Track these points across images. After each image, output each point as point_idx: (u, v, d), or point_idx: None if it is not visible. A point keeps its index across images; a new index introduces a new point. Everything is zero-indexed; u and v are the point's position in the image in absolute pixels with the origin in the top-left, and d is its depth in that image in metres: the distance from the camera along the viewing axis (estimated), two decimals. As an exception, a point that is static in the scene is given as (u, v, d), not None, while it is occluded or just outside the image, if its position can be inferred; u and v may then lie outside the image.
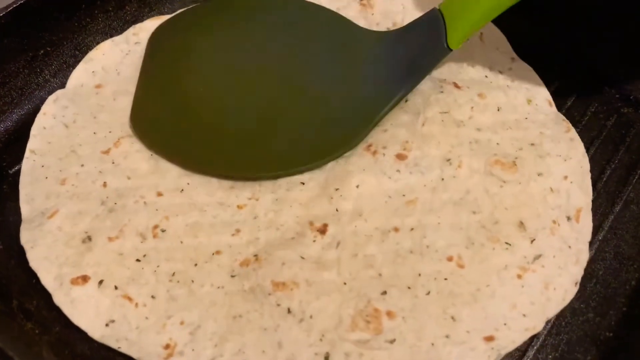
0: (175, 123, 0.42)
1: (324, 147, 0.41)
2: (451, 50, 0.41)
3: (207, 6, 0.50)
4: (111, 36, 0.51)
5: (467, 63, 0.46)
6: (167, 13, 0.53)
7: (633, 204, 0.42)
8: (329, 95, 0.43)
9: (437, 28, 0.41)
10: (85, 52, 0.49)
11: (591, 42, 0.49)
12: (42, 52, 0.48)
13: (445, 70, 0.46)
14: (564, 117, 0.44)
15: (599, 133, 0.45)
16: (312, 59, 0.45)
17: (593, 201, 0.41)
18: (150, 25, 0.50)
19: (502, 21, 0.52)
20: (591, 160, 0.43)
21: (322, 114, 0.42)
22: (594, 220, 0.40)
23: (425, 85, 0.44)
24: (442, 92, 0.44)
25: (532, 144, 0.42)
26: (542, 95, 0.45)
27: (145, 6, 0.53)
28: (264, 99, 0.43)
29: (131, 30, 0.50)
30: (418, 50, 0.43)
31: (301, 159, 0.40)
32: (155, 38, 0.48)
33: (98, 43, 0.50)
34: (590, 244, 0.39)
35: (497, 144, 0.42)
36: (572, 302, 0.36)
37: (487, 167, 0.40)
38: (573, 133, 0.43)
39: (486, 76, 0.46)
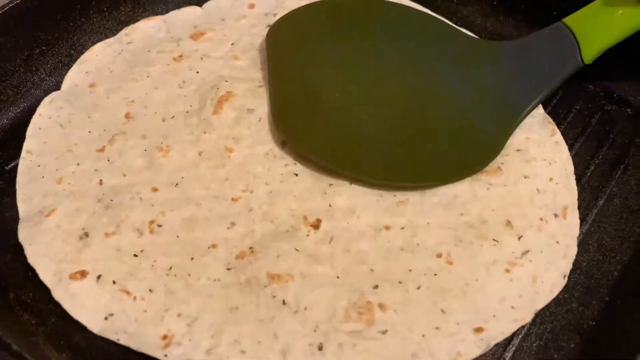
0: (322, 127, 0.43)
1: (464, 163, 0.42)
2: (585, 64, 0.44)
3: (318, 7, 0.51)
4: (106, 36, 0.52)
5: None
6: (161, 13, 0.54)
7: (616, 198, 0.43)
8: (463, 108, 0.44)
9: (567, 42, 0.45)
10: (81, 52, 0.50)
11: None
12: (37, 51, 0.49)
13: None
14: (550, 120, 0.46)
15: (584, 130, 0.47)
16: (437, 69, 0.47)
17: (578, 195, 0.43)
18: (142, 26, 0.52)
19: (487, 21, 0.55)
20: (576, 156, 0.45)
21: (458, 127, 0.44)
22: (578, 214, 0.42)
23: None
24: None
25: (518, 150, 0.44)
26: None
27: (139, 6, 0.55)
28: (399, 108, 0.44)
29: (124, 31, 0.52)
30: (547, 63, 0.45)
31: (443, 172, 0.41)
32: (275, 36, 0.49)
33: (93, 43, 0.51)
34: (575, 236, 0.40)
35: None
36: (563, 286, 0.37)
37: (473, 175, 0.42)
38: (558, 136, 0.45)
39: None
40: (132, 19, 0.54)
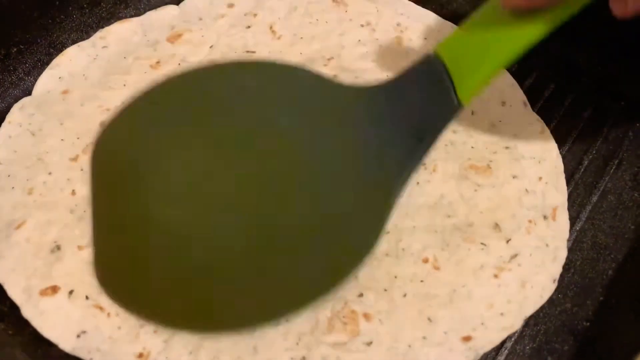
0: (143, 270, 0.30)
1: (345, 262, 0.32)
2: (462, 107, 0.33)
3: (154, 95, 0.34)
4: (87, 33, 0.51)
5: None
6: (143, 9, 0.53)
7: (610, 194, 0.43)
8: (334, 186, 0.31)
9: (440, 80, 0.33)
10: (60, 50, 0.49)
11: (568, 35, 0.50)
12: (15, 50, 0.48)
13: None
14: (538, 117, 0.45)
15: (576, 124, 0.47)
16: (300, 143, 0.31)
17: (571, 192, 0.42)
18: (117, 28, 0.51)
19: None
20: (568, 152, 0.45)
21: (334, 221, 0.31)
22: (571, 211, 0.41)
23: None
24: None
25: (507, 147, 0.43)
26: (516, 96, 0.46)
27: (120, 3, 0.54)
28: (254, 218, 0.30)
29: (98, 34, 0.51)
30: (420, 111, 0.33)
31: (322, 283, 0.31)
32: (100, 154, 0.33)
33: (74, 41, 0.50)
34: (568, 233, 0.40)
35: (472, 147, 0.43)
36: (553, 291, 0.37)
37: (461, 171, 0.41)
38: (547, 134, 0.44)
39: None
40: (114, 16, 0.53)
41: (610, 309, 0.37)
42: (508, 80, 0.47)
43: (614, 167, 0.44)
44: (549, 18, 0.31)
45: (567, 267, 0.38)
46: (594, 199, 0.43)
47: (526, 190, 0.41)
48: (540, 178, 0.41)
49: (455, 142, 0.43)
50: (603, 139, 0.46)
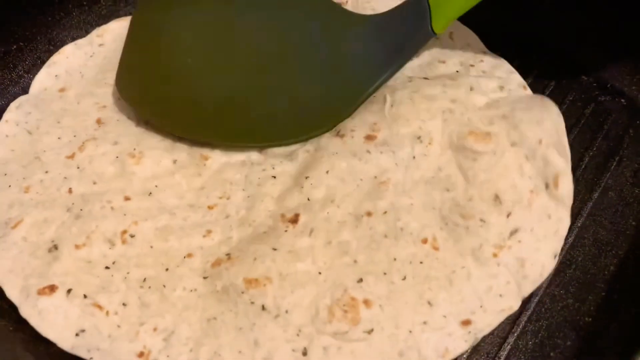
0: (163, 90, 0.45)
1: (309, 123, 0.44)
2: (435, 35, 0.44)
3: None
4: (86, 31, 0.52)
5: (438, 60, 0.48)
6: None
7: (611, 191, 0.44)
8: (314, 72, 0.46)
9: (421, 12, 0.44)
10: (60, 47, 0.50)
11: (568, 32, 0.51)
12: (15, 47, 0.49)
13: (416, 68, 0.47)
14: (539, 94, 0.45)
15: (577, 121, 0.48)
16: (296, 35, 0.48)
17: (573, 186, 0.43)
18: (114, 26, 0.52)
19: (477, 13, 0.55)
20: (570, 148, 0.45)
21: (307, 89, 0.46)
22: (573, 207, 0.41)
23: (392, 81, 0.46)
24: (410, 82, 0.46)
25: (504, 116, 0.42)
26: (515, 81, 0.46)
27: (120, 0, 0.55)
28: (249, 71, 0.46)
29: (95, 32, 0.52)
30: (402, 34, 0.46)
31: (286, 132, 0.44)
32: (141, 10, 0.50)
33: (73, 38, 0.51)
34: (570, 230, 0.40)
35: (469, 119, 0.42)
36: (551, 288, 0.38)
37: (459, 141, 0.41)
38: (547, 100, 0.43)
39: (457, 71, 0.47)
40: (113, 14, 0.54)
41: (611, 305, 0.38)
42: (507, 68, 0.47)
43: (614, 164, 0.45)
44: None
45: (568, 262, 0.40)
46: (595, 195, 0.44)
47: (526, 157, 0.40)
48: (540, 141, 0.40)
49: (454, 110, 0.42)
50: (603, 136, 0.47)
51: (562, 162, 0.40)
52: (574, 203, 0.42)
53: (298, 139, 0.44)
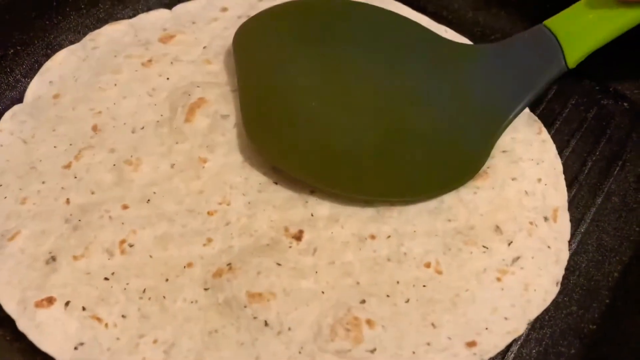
0: (298, 138, 0.43)
1: (447, 176, 0.41)
2: (568, 68, 0.44)
3: (288, 8, 0.50)
4: (84, 34, 0.52)
5: None
6: (141, 11, 0.54)
7: (614, 196, 0.44)
8: (443, 116, 0.44)
9: (550, 46, 0.44)
10: (58, 51, 0.50)
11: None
12: (12, 51, 0.49)
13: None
14: (535, 118, 0.46)
15: (580, 125, 0.48)
16: (414, 74, 0.46)
17: (575, 194, 0.43)
18: (108, 30, 0.51)
19: (479, 15, 0.55)
20: (572, 153, 0.46)
21: (440, 136, 0.43)
22: (576, 213, 0.42)
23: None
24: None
25: (504, 151, 0.44)
26: None
27: (119, 3, 0.54)
28: (379, 117, 0.44)
29: (88, 37, 0.51)
30: (529, 68, 0.44)
31: (425, 186, 0.41)
32: (243, 39, 0.48)
33: (71, 42, 0.51)
34: (573, 236, 0.41)
35: None
36: (556, 294, 0.38)
37: None
38: (545, 134, 0.45)
39: None
40: (111, 17, 0.53)
41: (616, 312, 0.38)
42: None
43: (617, 169, 0.45)
44: None
45: (572, 269, 0.39)
46: (598, 200, 0.44)
47: (526, 192, 0.42)
48: (539, 179, 0.42)
49: None
50: (606, 140, 0.47)
51: (560, 198, 0.42)
52: (577, 208, 0.43)
53: (441, 191, 0.41)
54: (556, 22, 0.45)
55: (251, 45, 0.48)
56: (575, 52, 0.43)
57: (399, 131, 0.43)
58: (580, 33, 0.43)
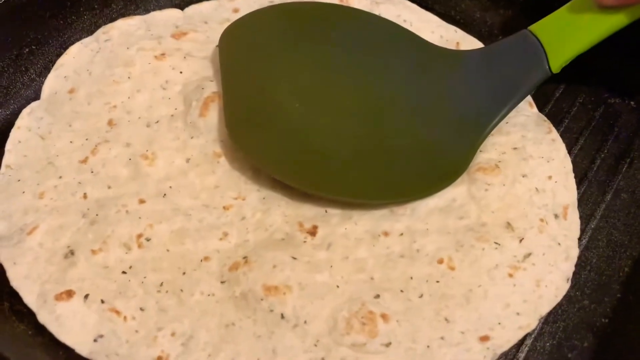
0: (281, 139, 0.42)
1: (429, 178, 0.41)
2: (552, 73, 0.43)
3: (275, 12, 0.50)
4: None
5: None
6: (154, 10, 0.54)
7: (623, 193, 0.44)
8: (426, 120, 0.44)
9: (534, 51, 0.44)
10: None
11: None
12: (27, 50, 0.49)
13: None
14: (544, 118, 0.46)
15: (588, 123, 0.48)
16: (399, 79, 0.46)
17: (584, 191, 0.44)
18: (120, 24, 0.51)
19: (487, 15, 0.56)
20: (581, 150, 0.46)
21: (422, 140, 0.43)
22: (586, 210, 0.43)
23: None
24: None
25: (515, 148, 0.44)
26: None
27: (131, 3, 0.55)
28: (361, 120, 0.44)
29: (101, 30, 0.51)
30: (512, 73, 0.44)
31: (406, 188, 0.41)
32: (229, 41, 0.47)
33: None
34: (583, 232, 0.41)
35: (480, 150, 0.43)
36: (567, 290, 0.38)
37: (470, 176, 0.42)
38: (554, 134, 0.45)
39: None
40: (124, 17, 0.53)
41: (628, 306, 0.38)
42: None
43: (626, 166, 0.46)
44: (630, 12, 0.41)
45: (583, 264, 0.40)
46: (608, 197, 0.44)
47: (536, 189, 0.42)
48: (549, 177, 0.42)
49: None
50: (614, 138, 0.47)
51: (570, 196, 0.42)
52: (586, 205, 0.43)
53: (423, 194, 0.41)
54: (540, 27, 0.44)
55: (236, 48, 0.47)
56: (558, 57, 0.43)
57: (380, 134, 0.43)
58: (563, 38, 0.43)
